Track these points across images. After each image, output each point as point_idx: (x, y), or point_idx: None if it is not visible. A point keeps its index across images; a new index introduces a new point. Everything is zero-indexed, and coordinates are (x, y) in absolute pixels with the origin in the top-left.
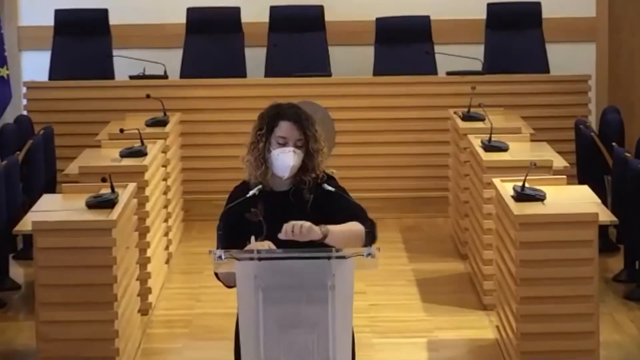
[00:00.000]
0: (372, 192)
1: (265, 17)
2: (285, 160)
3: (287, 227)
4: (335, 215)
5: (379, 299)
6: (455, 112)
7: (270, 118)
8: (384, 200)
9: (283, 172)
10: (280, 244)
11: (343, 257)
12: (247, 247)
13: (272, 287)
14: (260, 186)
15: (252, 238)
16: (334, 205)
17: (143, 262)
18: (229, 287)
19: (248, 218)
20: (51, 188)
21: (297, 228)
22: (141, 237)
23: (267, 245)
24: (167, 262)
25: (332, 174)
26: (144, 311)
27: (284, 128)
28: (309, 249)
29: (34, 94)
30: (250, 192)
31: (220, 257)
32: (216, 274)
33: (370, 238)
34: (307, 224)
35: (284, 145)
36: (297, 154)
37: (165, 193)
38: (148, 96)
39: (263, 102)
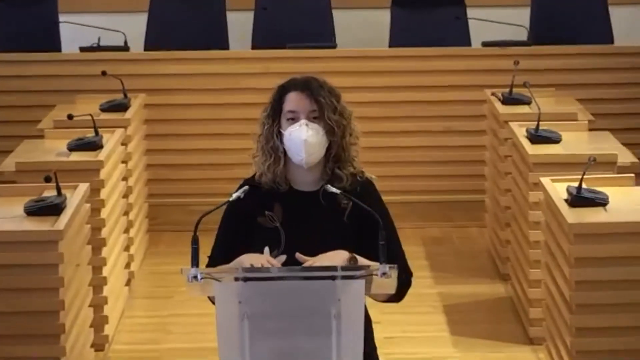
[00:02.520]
0: (388, 194)
1: None
2: (297, 136)
3: (310, 262)
4: (369, 242)
5: (397, 331)
6: (493, 94)
7: (277, 95)
8: (402, 205)
9: (298, 153)
10: (296, 261)
11: (351, 278)
12: (241, 258)
13: (261, 316)
14: (247, 187)
15: (266, 250)
16: (372, 226)
17: (98, 283)
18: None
19: (261, 223)
20: None
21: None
22: (95, 252)
23: (263, 260)
24: (128, 283)
25: (370, 177)
26: (99, 346)
27: (292, 99)
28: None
29: None
30: (234, 195)
31: (195, 277)
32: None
33: (402, 288)
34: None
35: (295, 121)
36: (312, 128)
37: (125, 196)
38: (104, 73)
39: (250, 80)
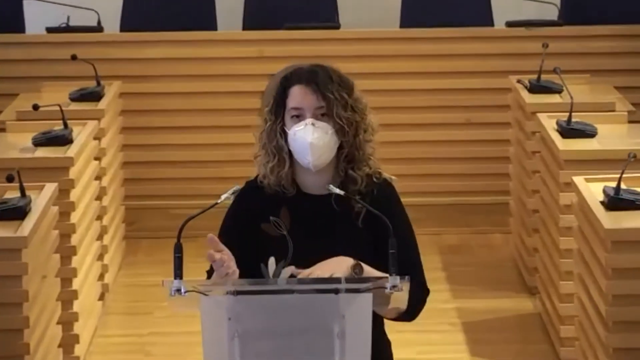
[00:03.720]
0: (400, 195)
1: None
2: (302, 137)
3: (307, 272)
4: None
5: (410, 352)
6: (519, 81)
7: (279, 87)
8: (415, 209)
9: (305, 157)
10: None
11: (356, 291)
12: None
13: (253, 334)
14: (237, 187)
15: (272, 260)
16: (386, 232)
17: (67, 297)
18: None
19: (266, 231)
20: None
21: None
22: (65, 261)
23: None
24: (101, 297)
25: (390, 179)
26: None
27: (296, 94)
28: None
29: None
30: (223, 196)
31: (178, 290)
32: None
33: (416, 306)
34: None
35: (300, 119)
36: (319, 127)
37: (99, 198)
38: (74, 57)
39: (241, 65)
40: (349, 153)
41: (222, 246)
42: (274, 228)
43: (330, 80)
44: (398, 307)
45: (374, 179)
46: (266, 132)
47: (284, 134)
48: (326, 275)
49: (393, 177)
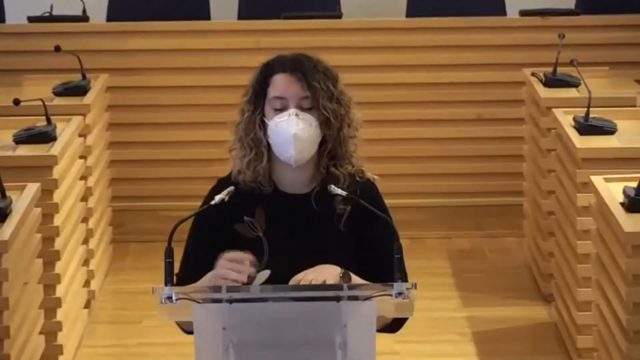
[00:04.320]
0: (405, 197)
1: None
2: (285, 129)
3: (299, 278)
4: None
5: None
6: (533, 74)
7: (260, 75)
8: (423, 210)
9: (286, 150)
10: (283, 278)
11: (360, 299)
12: (209, 279)
13: (249, 345)
14: (232, 188)
15: None
16: (371, 235)
17: (50, 305)
18: (189, 332)
19: (240, 232)
20: None
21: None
22: (48, 267)
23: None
24: (87, 305)
25: (372, 178)
26: None
27: (279, 83)
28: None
29: None
30: (217, 198)
31: (169, 297)
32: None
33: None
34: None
35: (282, 109)
36: (303, 119)
37: (84, 199)
38: (58, 49)
39: (236, 57)
40: (331, 149)
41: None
42: (249, 229)
43: (315, 70)
44: (384, 317)
45: (357, 178)
46: (244, 123)
47: (263, 126)
48: (320, 281)
49: (376, 177)
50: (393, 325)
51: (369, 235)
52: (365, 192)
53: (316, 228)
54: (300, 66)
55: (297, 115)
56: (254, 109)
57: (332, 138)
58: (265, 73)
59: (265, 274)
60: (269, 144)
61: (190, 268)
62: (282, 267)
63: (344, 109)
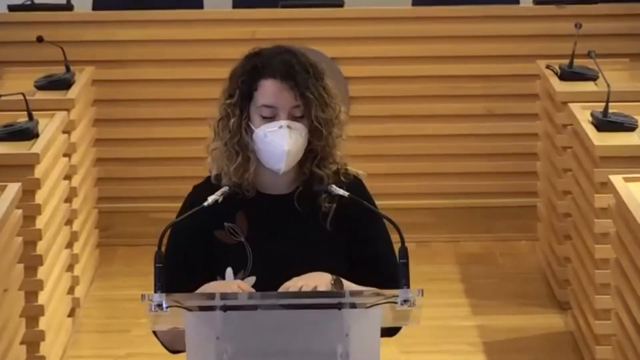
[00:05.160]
0: (410, 197)
1: None
2: (276, 142)
3: (288, 285)
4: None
5: None
6: (548, 67)
7: (246, 76)
8: (431, 212)
9: (276, 163)
10: (270, 284)
11: (362, 306)
12: (204, 288)
13: (245, 356)
14: (226, 188)
15: (229, 271)
16: (363, 235)
17: (32, 314)
18: (175, 352)
19: (220, 239)
20: None
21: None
22: (29, 272)
23: (237, 286)
24: (72, 313)
25: (357, 174)
26: None
27: (269, 90)
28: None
29: None
30: (210, 199)
31: (159, 305)
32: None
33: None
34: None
35: (272, 118)
36: (294, 129)
37: (69, 200)
38: (40, 39)
39: (231, 49)
40: (316, 150)
41: (247, 286)
42: (229, 235)
43: (308, 75)
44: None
45: (342, 177)
46: (230, 127)
47: (250, 131)
48: (311, 287)
49: (360, 172)
50: (390, 329)
51: (361, 235)
52: (353, 190)
53: (300, 228)
54: (292, 73)
55: (288, 127)
56: (240, 113)
57: (321, 142)
58: (254, 76)
59: (250, 280)
60: (254, 149)
61: (169, 279)
62: (267, 272)
63: (333, 112)
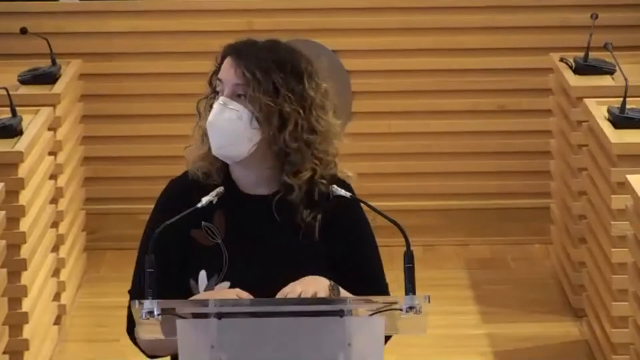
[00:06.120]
0: (416, 199)
1: None
2: (211, 120)
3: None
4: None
5: None
6: (562, 60)
7: (220, 57)
8: (437, 214)
9: (214, 144)
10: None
11: (365, 313)
12: (198, 295)
13: None
14: (221, 189)
15: (202, 274)
16: (351, 243)
17: (16, 321)
18: (153, 357)
19: (196, 239)
20: None
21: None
22: (13, 278)
23: (236, 295)
24: (57, 321)
25: (346, 179)
26: None
27: (223, 66)
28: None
29: None
30: (205, 199)
31: (150, 312)
32: (131, 334)
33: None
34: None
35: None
36: (230, 109)
37: (54, 201)
38: (24, 31)
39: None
40: (279, 151)
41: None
42: (206, 235)
43: (263, 57)
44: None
45: (321, 185)
46: (199, 108)
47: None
48: (311, 293)
49: (349, 174)
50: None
51: (350, 244)
52: (341, 199)
53: (279, 234)
54: (243, 48)
55: (224, 103)
56: (210, 93)
57: (277, 138)
58: (223, 53)
59: (224, 286)
60: None
61: (143, 278)
62: (242, 278)
63: (290, 106)
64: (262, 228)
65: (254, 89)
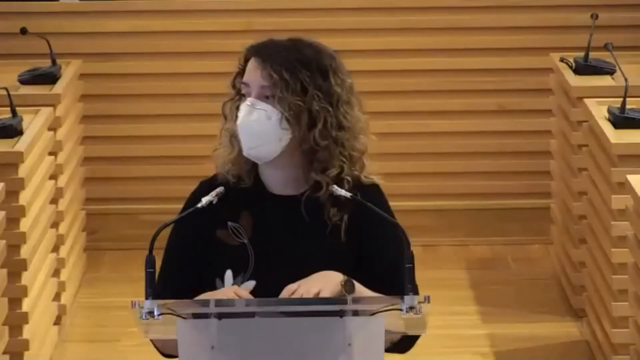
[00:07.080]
0: (416, 199)
1: None
2: (240, 121)
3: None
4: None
5: None
6: (563, 60)
7: (243, 59)
8: (437, 214)
9: (245, 145)
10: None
11: (365, 313)
12: (201, 296)
13: None
14: (221, 189)
15: (228, 273)
16: (375, 247)
17: (16, 322)
18: (167, 356)
19: (222, 239)
20: None
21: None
22: (13, 278)
23: (234, 292)
24: (57, 321)
25: (374, 180)
26: None
27: (248, 68)
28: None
29: None
30: (205, 200)
31: (150, 312)
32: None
33: (412, 337)
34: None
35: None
36: (258, 109)
37: (54, 201)
38: (24, 31)
39: (225, 40)
40: (309, 150)
41: (244, 292)
42: (232, 235)
43: (288, 57)
44: (392, 335)
45: (348, 184)
46: (225, 111)
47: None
48: (313, 292)
49: (375, 178)
50: (402, 345)
51: (374, 246)
52: (367, 195)
53: (307, 235)
54: (267, 48)
55: (252, 105)
56: (234, 96)
57: (307, 137)
58: (246, 55)
59: (250, 285)
60: None
61: (167, 283)
62: (268, 277)
63: (325, 103)
64: (289, 227)
65: (282, 90)
